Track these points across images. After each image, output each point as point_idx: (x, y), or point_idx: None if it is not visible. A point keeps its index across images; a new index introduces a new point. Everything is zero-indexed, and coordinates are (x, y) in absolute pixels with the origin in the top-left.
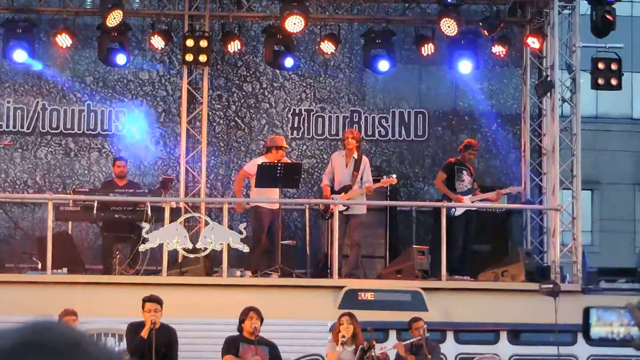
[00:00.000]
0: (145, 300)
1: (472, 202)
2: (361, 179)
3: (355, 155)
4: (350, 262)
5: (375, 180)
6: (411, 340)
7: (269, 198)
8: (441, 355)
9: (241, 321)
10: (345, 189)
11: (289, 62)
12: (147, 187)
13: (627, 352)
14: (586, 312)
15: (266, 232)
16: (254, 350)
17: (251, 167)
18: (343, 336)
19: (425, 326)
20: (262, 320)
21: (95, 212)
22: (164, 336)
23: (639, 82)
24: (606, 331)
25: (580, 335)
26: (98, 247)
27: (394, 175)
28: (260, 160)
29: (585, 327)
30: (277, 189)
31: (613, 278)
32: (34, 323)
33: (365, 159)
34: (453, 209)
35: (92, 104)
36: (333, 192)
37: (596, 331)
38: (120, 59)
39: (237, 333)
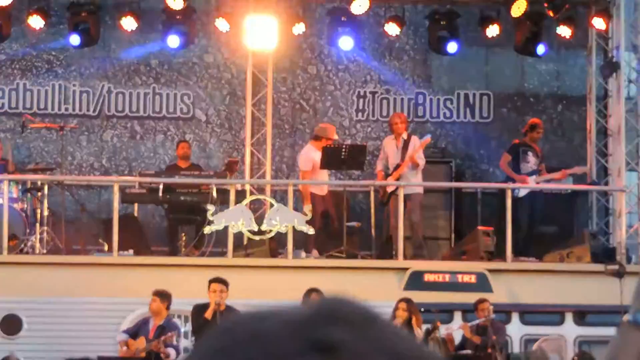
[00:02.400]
0: (211, 281)
1: (537, 182)
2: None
3: (405, 136)
4: (412, 242)
5: (446, 163)
6: (477, 322)
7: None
8: (506, 337)
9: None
10: (396, 168)
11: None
12: (213, 169)
13: None
14: None
15: (322, 216)
16: None
17: (304, 164)
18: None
19: (491, 307)
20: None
21: (160, 194)
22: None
23: None
24: None
25: None
26: (164, 229)
27: (429, 135)
28: (307, 150)
29: None
30: (325, 174)
31: None
32: (329, 297)
33: (414, 138)
34: (517, 190)
35: (157, 87)
36: (387, 176)
37: None
38: (177, 41)
39: None
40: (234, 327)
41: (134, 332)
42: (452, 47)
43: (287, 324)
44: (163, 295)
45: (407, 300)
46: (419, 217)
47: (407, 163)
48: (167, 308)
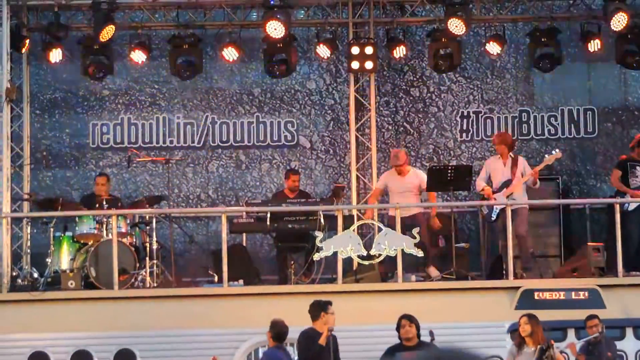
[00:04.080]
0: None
1: None
2: (521, 174)
3: (512, 154)
4: (521, 257)
5: (551, 179)
6: (587, 338)
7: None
8: (619, 352)
9: (397, 329)
10: (507, 183)
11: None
12: (319, 196)
13: None
14: None
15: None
16: (411, 355)
17: (379, 183)
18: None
19: (602, 324)
20: (417, 325)
21: (268, 222)
22: (334, 342)
23: None
24: None
25: None
26: (273, 257)
27: (557, 150)
28: (388, 174)
29: None
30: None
31: None
32: (443, 348)
33: (521, 158)
34: (627, 204)
35: (261, 115)
36: (494, 192)
37: None
38: (282, 70)
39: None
40: None
41: None
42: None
43: None
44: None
45: (529, 315)
46: (526, 231)
47: (526, 179)
48: (274, 338)
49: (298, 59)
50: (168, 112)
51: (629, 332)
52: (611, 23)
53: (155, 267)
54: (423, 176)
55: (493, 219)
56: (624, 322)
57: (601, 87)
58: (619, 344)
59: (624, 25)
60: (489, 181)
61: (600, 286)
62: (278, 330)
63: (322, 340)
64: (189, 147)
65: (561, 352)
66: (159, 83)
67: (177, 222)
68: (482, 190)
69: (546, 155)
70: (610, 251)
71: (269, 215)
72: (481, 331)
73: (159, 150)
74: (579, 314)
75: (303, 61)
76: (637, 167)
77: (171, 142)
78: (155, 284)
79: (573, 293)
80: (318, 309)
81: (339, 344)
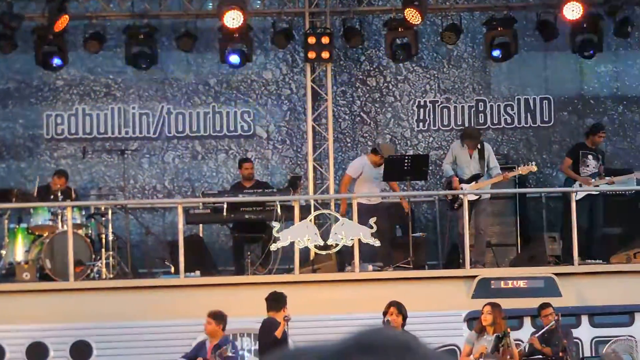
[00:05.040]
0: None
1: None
2: (488, 166)
3: (479, 145)
4: (475, 249)
5: (509, 169)
6: (544, 330)
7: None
8: (575, 340)
9: (384, 314)
10: (475, 177)
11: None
12: (276, 186)
13: None
14: None
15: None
16: None
17: (352, 169)
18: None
19: (556, 313)
20: (403, 316)
21: (225, 213)
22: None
23: None
24: None
25: None
26: (229, 248)
27: (534, 163)
28: (362, 161)
29: None
30: (371, 185)
31: None
32: (363, 328)
33: (487, 146)
34: (575, 193)
35: (217, 105)
36: (462, 181)
37: None
38: (235, 59)
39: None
40: None
41: (193, 356)
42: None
43: (322, 357)
44: (218, 317)
45: (491, 304)
46: (484, 223)
47: (497, 180)
48: (223, 329)
49: (254, 49)
50: (123, 102)
51: (585, 319)
52: (563, 12)
53: (111, 259)
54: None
55: (456, 207)
56: (579, 309)
57: (557, 76)
58: (575, 332)
59: (579, 14)
60: (454, 165)
61: (556, 274)
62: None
63: (278, 333)
64: (144, 137)
65: (516, 341)
66: (114, 73)
67: (133, 213)
68: (452, 178)
69: (522, 165)
70: (566, 240)
71: (225, 205)
72: (438, 320)
73: (114, 140)
74: (535, 302)
75: (259, 51)
76: (589, 156)
77: (126, 132)
78: (111, 276)
79: (529, 281)
80: (281, 301)
81: (296, 334)
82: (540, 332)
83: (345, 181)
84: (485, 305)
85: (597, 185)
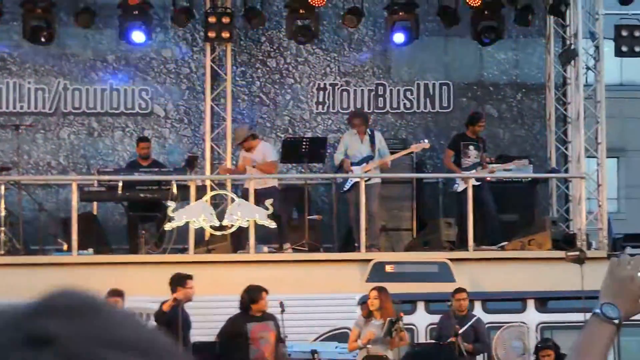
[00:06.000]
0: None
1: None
2: (379, 150)
3: (369, 130)
4: (369, 233)
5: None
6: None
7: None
8: (410, 326)
9: (255, 300)
10: (367, 159)
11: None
12: (173, 166)
13: None
14: None
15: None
16: (264, 326)
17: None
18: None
19: (467, 297)
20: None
21: (120, 191)
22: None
23: None
24: None
25: None
26: (123, 227)
27: (426, 141)
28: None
29: None
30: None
31: (639, 244)
32: (53, 289)
33: (378, 133)
34: (456, 185)
35: (115, 82)
36: (353, 164)
37: None
38: (139, 36)
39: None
40: None
41: None
42: (398, 37)
43: (1, 319)
44: (119, 294)
45: (378, 288)
46: (377, 207)
47: (390, 159)
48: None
49: (154, 27)
50: (19, 77)
51: (478, 305)
52: None
53: (2, 235)
54: (267, 149)
55: (345, 189)
56: (472, 295)
57: (457, 62)
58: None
59: (480, 1)
60: (345, 155)
61: (451, 260)
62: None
63: (165, 306)
64: (39, 113)
65: (409, 325)
66: (9, 47)
67: (26, 189)
68: (344, 160)
69: (413, 140)
70: (462, 225)
71: (120, 184)
72: (332, 303)
73: (8, 115)
74: (429, 287)
75: (159, 29)
76: (470, 146)
77: (21, 107)
78: (2, 252)
79: (424, 266)
80: (175, 282)
81: (191, 314)
82: (463, 329)
83: (240, 167)
84: (372, 290)
85: (493, 172)
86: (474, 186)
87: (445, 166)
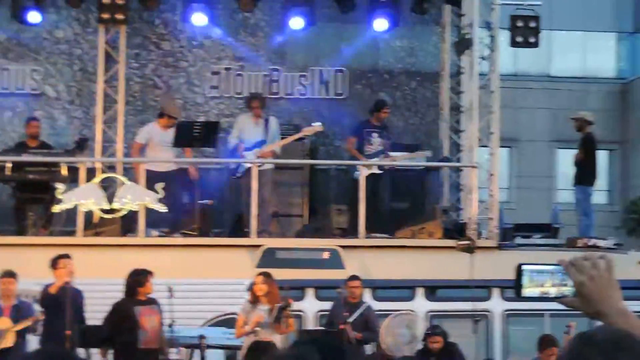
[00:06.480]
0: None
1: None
2: (272, 136)
3: (264, 114)
4: (260, 219)
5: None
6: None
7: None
8: (298, 312)
9: (142, 284)
10: (259, 144)
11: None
12: (62, 147)
13: (540, 306)
14: (519, 271)
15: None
16: (151, 310)
17: (140, 136)
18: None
19: (361, 285)
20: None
21: (8, 172)
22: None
23: (557, 40)
24: (538, 291)
25: (495, 291)
26: (11, 208)
27: (319, 123)
28: (150, 127)
29: (518, 286)
30: (164, 150)
31: (528, 234)
32: None
33: (273, 118)
34: (357, 172)
35: (5, 62)
36: (246, 150)
37: (528, 291)
38: (34, 17)
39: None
40: None
41: None
42: (297, 23)
43: None
44: (11, 275)
45: (265, 274)
46: (269, 193)
47: (282, 144)
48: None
49: (47, 6)
50: None
51: (368, 292)
52: None
53: None
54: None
55: (238, 175)
56: (363, 283)
57: (353, 49)
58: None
59: None
60: (239, 138)
61: (342, 247)
62: None
63: (51, 289)
64: None
65: (298, 311)
66: None
67: None
68: (238, 146)
69: (306, 126)
70: (353, 213)
71: (8, 164)
72: (221, 288)
73: None
74: (319, 274)
75: (52, 9)
76: (374, 134)
77: None
78: None
79: (314, 253)
80: (51, 263)
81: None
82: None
83: (134, 147)
84: (258, 275)
85: (396, 160)
86: (375, 174)
87: (347, 152)
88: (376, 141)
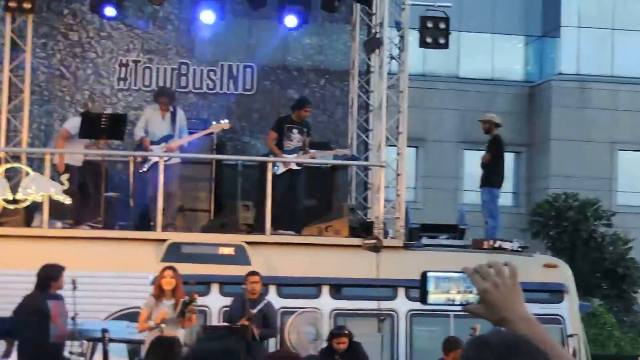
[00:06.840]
0: None
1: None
2: (179, 128)
3: (172, 107)
4: (166, 213)
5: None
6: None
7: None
8: (203, 308)
9: (55, 278)
10: (166, 138)
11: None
12: None
13: (445, 307)
14: (424, 278)
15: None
16: (62, 305)
17: (71, 124)
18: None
19: (260, 281)
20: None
21: None
22: None
23: (466, 41)
24: (444, 298)
25: (400, 290)
26: None
27: (227, 120)
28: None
29: (423, 293)
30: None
31: (435, 234)
32: None
33: (180, 111)
34: (276, 167)
35: None
36: (152, 143)
37: (434, 298)
38: None
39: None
40: None
41: None
42: (208, 17)
43: None
44: None
45: (172, 268)
46: (176, 187)
47: (190, 139)
48: None
49: None
50: None
51: (272, 289)
52: None
53: None
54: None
55: (145, 169)
56: (268, 279)
57: (262, 44)
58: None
59: None
60: (146, 130)
61: (248, 243)
62: None
63: None
64: None
65: (202, 307)
66: None
67: None
68: (142, 140)
69: (214, 122)
70: (260, 209)
71: None
72: (125, 281)
73: None
74: (225, 269)
75: None
76: (294, 130)
77: None
78: None
79: (219, 248)
80: None
81: None
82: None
83: (61, 134)
84: (166, 269)
85: (314, 157)
86: (293, 170)
87: (266, 147)
88: (296, 137)
